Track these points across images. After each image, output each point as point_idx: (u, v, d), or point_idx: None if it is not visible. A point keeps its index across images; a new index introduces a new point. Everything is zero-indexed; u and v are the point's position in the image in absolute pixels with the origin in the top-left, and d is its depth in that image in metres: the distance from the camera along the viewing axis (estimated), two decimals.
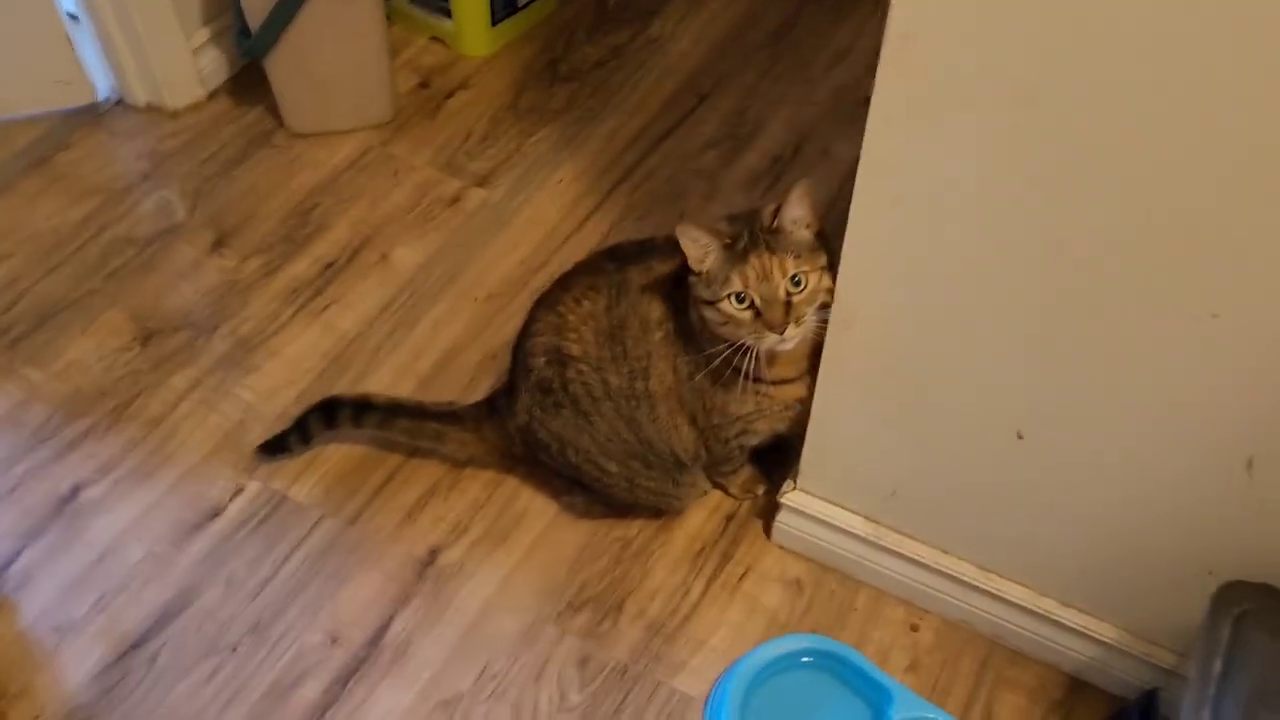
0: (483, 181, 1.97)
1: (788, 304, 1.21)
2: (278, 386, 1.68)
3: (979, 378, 1.18)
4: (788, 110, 2.09)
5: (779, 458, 1.58)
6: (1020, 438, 1.21)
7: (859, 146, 1.05)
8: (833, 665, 1.36)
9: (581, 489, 1.50)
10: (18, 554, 1.49)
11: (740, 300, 1.21)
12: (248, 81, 2.09)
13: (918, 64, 0.97)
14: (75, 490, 1.56)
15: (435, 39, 2.19)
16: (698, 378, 1.32)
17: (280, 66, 1.93)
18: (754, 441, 1.42)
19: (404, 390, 1.67)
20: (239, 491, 1.57)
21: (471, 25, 2.14)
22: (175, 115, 2.03)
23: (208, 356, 1.71)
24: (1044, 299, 1.08)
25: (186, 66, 2.01)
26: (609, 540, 1.53)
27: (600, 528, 1.54)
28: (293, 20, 1.84)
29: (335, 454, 1.60)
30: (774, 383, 1.32)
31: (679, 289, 1.33)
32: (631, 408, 1.37)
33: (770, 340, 1.22)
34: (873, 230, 1.12)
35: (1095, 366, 1.10)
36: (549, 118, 2.07)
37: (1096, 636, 1.34)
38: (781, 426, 1.39)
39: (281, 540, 1.51)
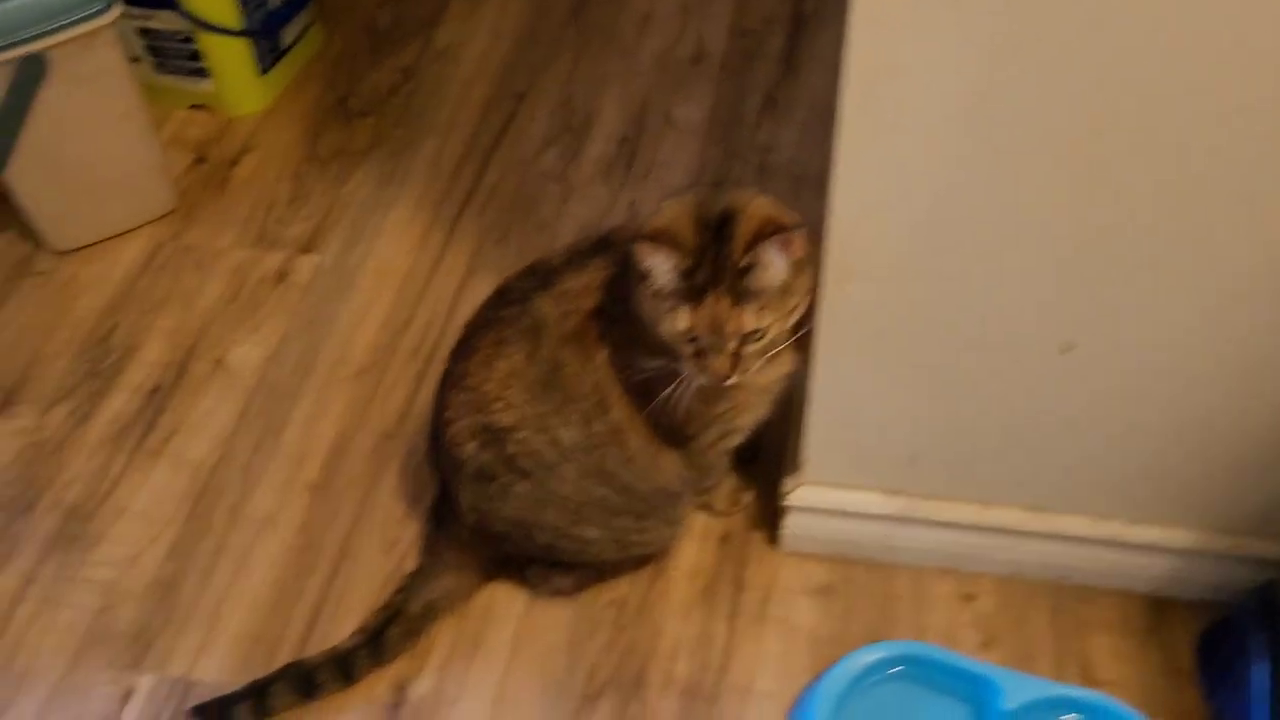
0: (308, 247, 1.67)
1: (736, 355, 1.01)
2: (139, 550, 1.34)
3: (1010, 296, 1.01)
4: (615, 88, 1.89)
5: (751, 455, 1.38)
6: (1066, 351, 1.04)
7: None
8: (916, 671, 1.17)
9: (563, 568, 1.25)
10: None
11: (683, 333, 1.01)
12: None
13: None
14: None
15: (197, 106, 1.87)
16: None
17: (25, 177, 1.58)
18: (738, 440, 1.21)
19: (298, 508, 1.37)
20: (129, 694, 1.23)
21: (237, 80, 1.83)
22: None
23: (33, 542, 1.36)
24: (1078, 187, 0.92)
25: None
26: (600, 608, 1.28)
27: (584, 597, 1.29)
28: (26, 118, 1.50)
29: (234, 611, 1.29)
30: None
31: (612, 291, 1.11)
32: (597, 458, 1.14)
33: (708, 382, 1.03)
34: (868, 169, 0.93)
35: (1148, 242, 0.95)
36: (358, 159, 1.80)
37: (1172, 547, 1.20)
38: (764, 411, 1.19)
39: None
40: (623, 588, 1.29)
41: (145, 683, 1.24)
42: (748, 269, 0.98)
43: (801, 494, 1.24)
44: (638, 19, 2.01)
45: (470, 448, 1.15)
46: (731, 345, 1.00)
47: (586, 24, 2.01)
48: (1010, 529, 1.22)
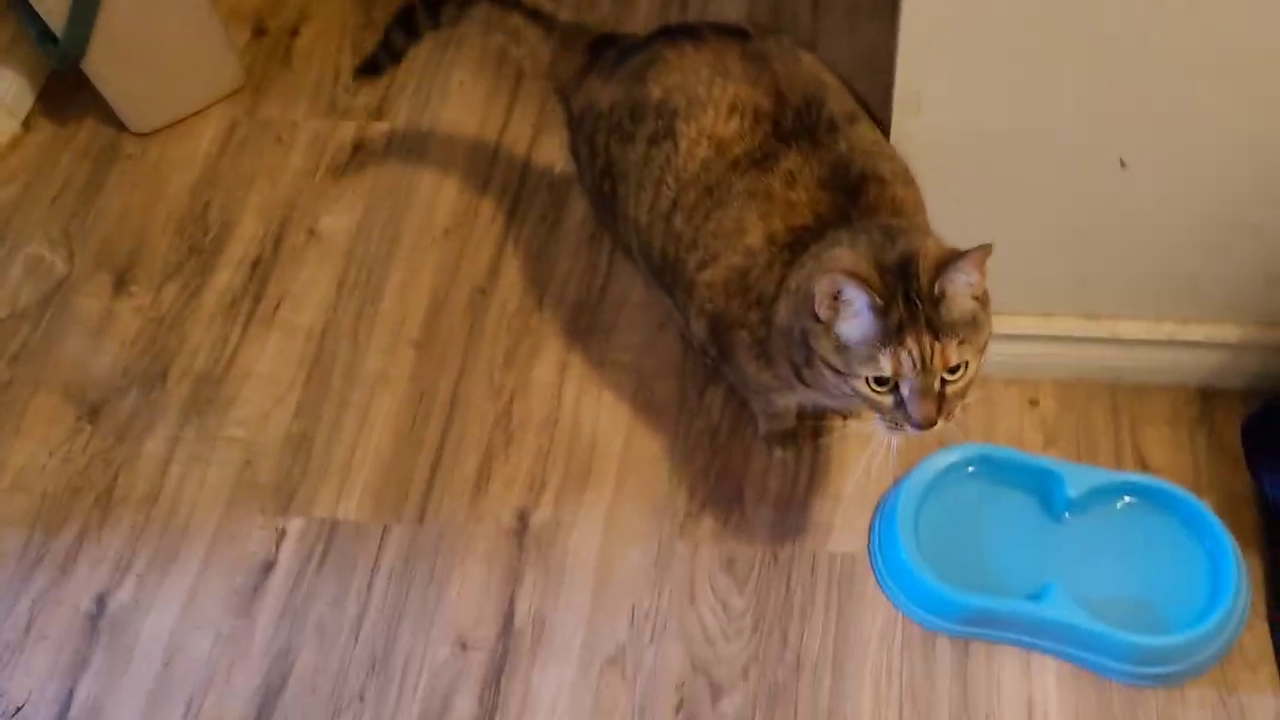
0: (378, 114, 1.74)
1: (941, 396, 0.98)
2: (267, 410, 1.47)
3: (1071, 117, 1.09)
4: None
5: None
6: (1124, 165, 1.12)
7: None
8: (989, 470, 1.29)
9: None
10: (70, 693, 1.28)
11: (881, 384, 0.98)
12: (58, 94, 1.79)
13: None
14: (100, 602, 1.34)
15: None
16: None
17: (102, 62, 1.65)
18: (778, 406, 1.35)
19: (406, 364, 1.49)
20: (283, 535, 1.38)
21: None
22: None
23: (172, 408, 1.49)
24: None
25: None
26: (695, 435, 1.41)
27: (679, 429, 1.41)
28: (101, 4, 1.55)
29: (363, 460, 1.42)
30: None
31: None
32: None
33: (909, 432, 1.00)
34: None
35: (1198, 62, 1.02)
36: None
37: (1221, 341, 1.30)
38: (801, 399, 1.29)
39: (355, 568, 1.34)
40: (714, 417, 1.42)
41: (295, 525, 1.38)
42: (939, 300, 0.95)
43: None
44: None
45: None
46: (936, 386, 0.97)
47: None
48: (1070, 335, 1.32)
